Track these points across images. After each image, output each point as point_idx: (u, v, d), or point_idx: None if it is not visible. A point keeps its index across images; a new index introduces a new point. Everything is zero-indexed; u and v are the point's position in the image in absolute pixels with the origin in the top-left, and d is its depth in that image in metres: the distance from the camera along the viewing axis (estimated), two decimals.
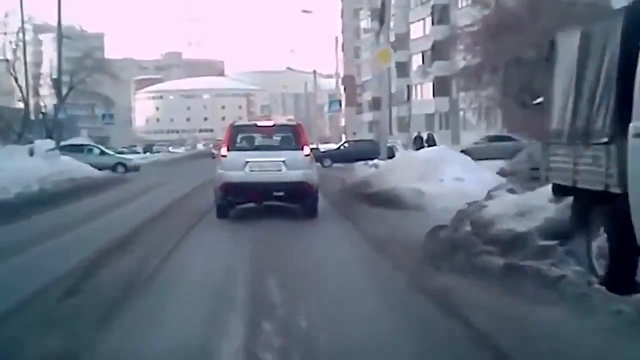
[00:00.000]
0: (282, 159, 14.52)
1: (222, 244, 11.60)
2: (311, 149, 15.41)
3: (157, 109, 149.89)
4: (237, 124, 16.34)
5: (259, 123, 17.35)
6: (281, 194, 14.57)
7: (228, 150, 14.78)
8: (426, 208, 13.87)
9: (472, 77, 35.42)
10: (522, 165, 17.83)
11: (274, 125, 17.37)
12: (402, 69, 72.49)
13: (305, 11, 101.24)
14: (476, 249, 8.19)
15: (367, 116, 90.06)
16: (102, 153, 33.88)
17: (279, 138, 15.87)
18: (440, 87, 57.90)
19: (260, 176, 14.36)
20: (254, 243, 11.35)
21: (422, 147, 40.21)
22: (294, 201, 14.85)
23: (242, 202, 15.04)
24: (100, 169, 29.36)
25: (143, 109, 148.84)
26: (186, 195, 20.48)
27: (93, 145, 34.12)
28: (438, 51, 58.37)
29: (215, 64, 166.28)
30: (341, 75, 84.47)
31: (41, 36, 77.97)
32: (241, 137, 15.42)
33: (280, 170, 14.43)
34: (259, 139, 15.98)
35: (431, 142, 38.39)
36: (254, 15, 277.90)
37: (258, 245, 11.13)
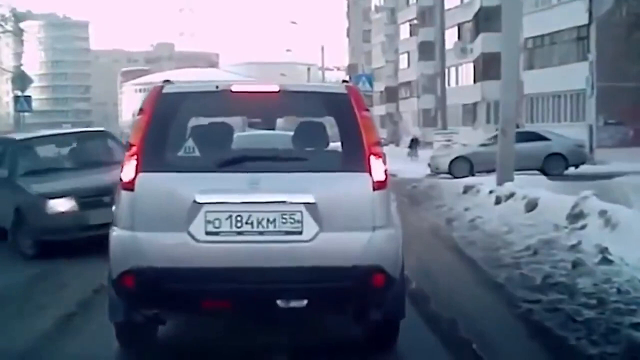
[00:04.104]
0: (305, 197, 4.67)
1: None
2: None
3: None
4: (172, 89, 5.10)
5: (239, 87, 5.10)
6: (302, 303, 4.72)
7: (141, 169, 4.79)
8: None
9: None
10: None
11: (279, 92, 5.09)
12: (427, 49, 61.94)
13: (292, 22, 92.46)
14: None
15: (379, 109, 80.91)
16: None
17: (293, 133, 5.42)
18: (489, 68, 45.80)
19: (240, 251, 4.66)
20: None
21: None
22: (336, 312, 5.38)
23: (181, 314, 5.43)
24: None
25: (130, 102, 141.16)
26: None
27: None
28: (487, 20, 46.36)
29: (210, 56, 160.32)
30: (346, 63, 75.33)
31: (23, 24, 69.77)
32: (185, 127, 5.25)
33: (299, 233, 4.66)
34: (239, 137, 6.42)
35: None
36: (251, 4, 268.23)
37: None
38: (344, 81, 5.26)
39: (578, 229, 8.03)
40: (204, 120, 5.36)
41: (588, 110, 31.00)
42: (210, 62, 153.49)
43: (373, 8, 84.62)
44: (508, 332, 5.51)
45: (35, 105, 38.63)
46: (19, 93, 26.23)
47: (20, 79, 26.47)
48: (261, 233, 4.58)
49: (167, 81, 5.16)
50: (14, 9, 43.80)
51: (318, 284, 4.60)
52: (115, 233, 4.77)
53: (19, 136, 11.18)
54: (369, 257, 4.61)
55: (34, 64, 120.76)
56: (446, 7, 58.67)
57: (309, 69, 78.00)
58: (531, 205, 9.54)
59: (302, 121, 5.43)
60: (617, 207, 8.18)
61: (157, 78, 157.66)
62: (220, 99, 5.16)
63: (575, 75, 33.12)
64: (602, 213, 7.88)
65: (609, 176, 16.59)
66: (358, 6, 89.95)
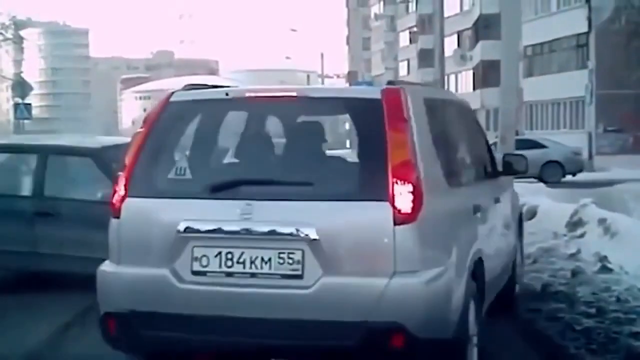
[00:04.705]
0: (308, 232, 3.72)
1: None
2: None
3: (145, 110, 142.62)
4: (180, 97, 4.31)
5: (250, 93, 4.30)
6: None
7: (128, 193, 4.09)
8: None
9: None
10: None
11: (296, 98, 4.20)
12: (426, 57, 62.04)
13: (292, 30, 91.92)
14: None
15: None
16: None
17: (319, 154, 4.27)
18: (489, 76, 45.78)
19: (229, 296, 3.82)
20: None
21: None
22: None
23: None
24: None
25: (129, 110, 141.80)
26: None
27: None
28: (486, 28, 46.47)
29: (209, 64, 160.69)
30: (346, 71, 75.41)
31: (23, 32, 70.25)
32: (189, 143, 4.33)
33: (298, 277, 3.74)
34: (248, 148, 4.44)
35: None
36: (251, 11, 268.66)
37: None
38: (389, 82, 4.19)
39: (577, 237, 8.03)
40: (203, 132, 4.50)
41: (587, 118, 31.05)
42: (210, 69, 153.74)
43: (373, 16, 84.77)
44: (508, 341, 5.51)
45: (35, 112, 38.61)
46: (19, 100, 26.10)
47: (20, 87, 26.28)
48: (253, 275, 3.80)
49: (189, 86, 4.45)
50: (14, 16, 43.81)
51: (319, 341, 3.75)
52: (102, 267, 4.19)
53: (93, 143, 8.06)
54: (385, 311, 3.66)
55: (33, 71, 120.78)
56: (446, 14, 58.73)
57: (308, 76, 78.03)
58: (531, 213, 9.54)
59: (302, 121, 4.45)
60: (617, 215, 8.18)
61: (156, 86, 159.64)
62: (230, 108, 4.44)
63: (574, 83, 33.17)
64: (602, 221, 7.88)
65: (608, 183, 16.55)
66: (358, 14, 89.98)
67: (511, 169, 5.65)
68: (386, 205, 3.69)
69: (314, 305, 3.72)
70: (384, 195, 3.70)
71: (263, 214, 3.80)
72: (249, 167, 4.29)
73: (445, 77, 56.77)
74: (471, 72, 53.84)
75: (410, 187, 3.72)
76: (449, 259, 3.90)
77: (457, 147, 4.69)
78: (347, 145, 6.61)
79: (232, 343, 3.83)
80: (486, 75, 47.92)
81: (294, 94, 4.21)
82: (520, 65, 43.17)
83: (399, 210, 3.69)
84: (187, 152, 4.31)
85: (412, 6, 69.47)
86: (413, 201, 3.71)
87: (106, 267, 4.16)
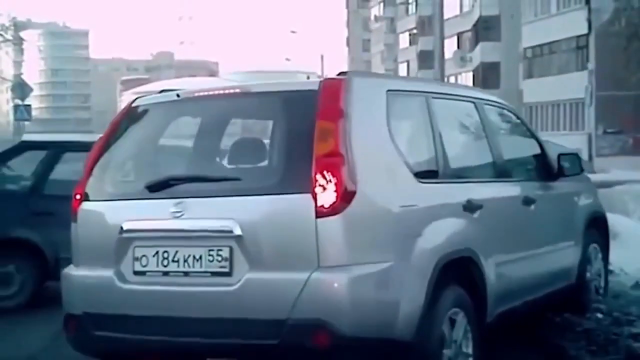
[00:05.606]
0: (232, 227, 3.70)
1: None
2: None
3: None
4: (141, 102, 4.48)
5: (200, 92, 4.25)
6: None
7: (84, 197, 4.24)
8: None
9: None
10: None
11: (238, 95, 4.20)
12: (426, 58, 62.32)
13: (292, 32, 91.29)
14: None
15: None
16: None
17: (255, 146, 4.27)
18: (488, 77, 45.92)
19: (165, 296, 3.80)
20: None
21: None
22: None
23: None
24: None
25: None
26: None
27: None
28: (486, 30, 46.66)
29: (209, 65, 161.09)
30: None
31: (23, 33, 70.85)
32: (144, 146, 4.50)
33: (227, 275, 3.67)
34: (188, 147, 4.51)
35: None
36: (251, 13, 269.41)
37: None
38: (339, 73, 3.99)
39: None
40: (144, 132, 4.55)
41: (587, 119, 31.14)
42: (210, 70, 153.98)
43: (373, 17, 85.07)
44: (507, 342, 5.51)
45: (35, 114, 38.72)
46: (19, 102, 26.12)
47: (20, 88, 26.23)
48: (186, 274, 3.80)
49: (163, 91, 4.50)
50: (14, 18, 43.89)
51: (247, 340, 3.63)
52: (65, 270, 4.31)
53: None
54: (307, 307, 3.52)
55: (33, 72, 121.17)
56: (445, 16, 58.97)
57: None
58: None
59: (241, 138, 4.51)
60: (617, 217, 8.20)
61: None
62: (182, 109, 4.44)
63: (574, 84, 33.30)
64: None
65: (608, 185, 16.50)
66: (358, 15, 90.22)
67: (561, 172, 5.43)
68: (308, 197, 3.57)
69: (238, 302, 3.65)
70: (306, 187, 3.58)
71: (193, 211, 3.80)
72: (182, 165, 4.42)
73: (445, 79, 57.10)
74: (471, 73, 54.06)
75: (334, 179, 3.57)
76: (399, 255, 3.72)
77: (447, 142, 4.43)
78: None
79: (170, 343, 3.81)
80: (486, 76, 48.11)
81: (237, 90, 4.19)
82: (520, 67, 43.52)
83: (322, 203, 3.55)
84: (135, 155, 4.46)
85: (412, 8, 69.68)
86: (338, 193, 3.56)
87: (68, 269, 4.29)
